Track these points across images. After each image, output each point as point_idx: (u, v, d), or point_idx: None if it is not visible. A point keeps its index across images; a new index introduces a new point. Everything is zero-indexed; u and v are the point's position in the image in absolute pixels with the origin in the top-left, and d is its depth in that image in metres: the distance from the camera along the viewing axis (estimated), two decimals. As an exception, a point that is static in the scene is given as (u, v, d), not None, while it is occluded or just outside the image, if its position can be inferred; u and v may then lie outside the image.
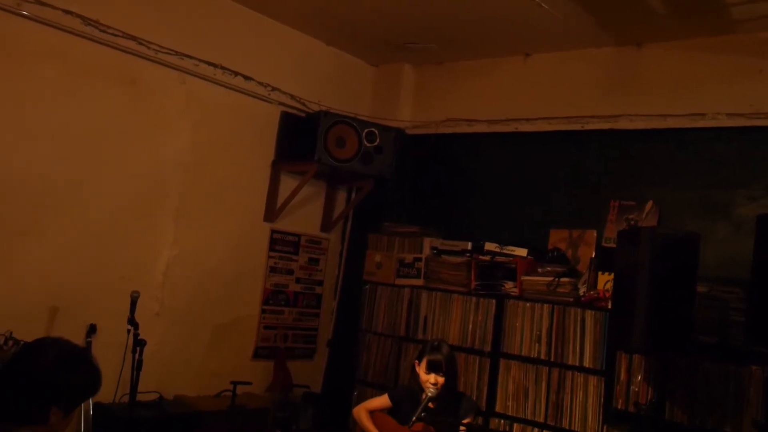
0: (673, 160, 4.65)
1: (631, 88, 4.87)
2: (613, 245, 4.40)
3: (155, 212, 4.69)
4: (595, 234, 4.79)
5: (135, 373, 3.81)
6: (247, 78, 5.07)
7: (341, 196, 5.90)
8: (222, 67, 4.91)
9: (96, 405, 4.14)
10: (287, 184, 5.37)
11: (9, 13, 3.95)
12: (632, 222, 4.66)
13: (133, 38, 4.42)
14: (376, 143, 5.27)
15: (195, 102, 4.82)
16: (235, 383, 4.41)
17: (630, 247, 3.76)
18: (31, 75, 4.08)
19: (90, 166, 4.35)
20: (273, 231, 5.39)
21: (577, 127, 5.03)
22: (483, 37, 5.15)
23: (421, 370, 3.65)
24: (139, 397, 3.99)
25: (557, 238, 4.94)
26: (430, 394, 3.56)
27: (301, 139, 5.25)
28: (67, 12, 4.13)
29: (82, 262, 4.33)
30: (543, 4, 4.42)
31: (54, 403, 2.00)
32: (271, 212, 5.34)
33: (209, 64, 4.84)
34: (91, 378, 2.14)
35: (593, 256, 4.66)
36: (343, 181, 5.79)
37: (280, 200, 5.35)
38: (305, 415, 5.22)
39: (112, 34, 4.33)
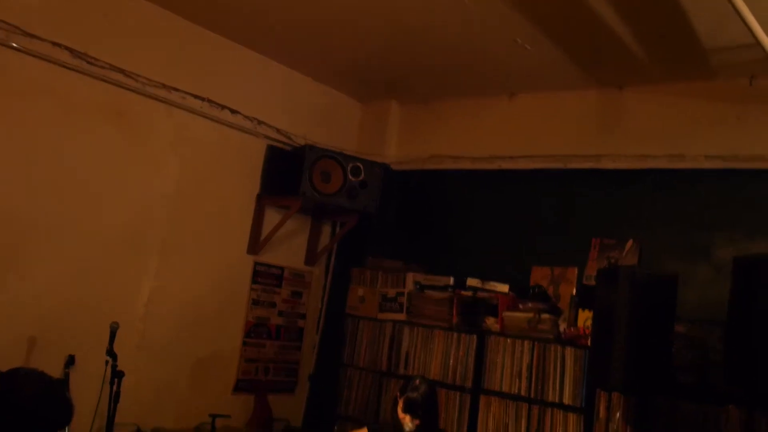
0: (655, 201, 4.72)
1: (613, 129, 4.95)
2: (594, 283, 4.43)
3: (139, 244, 4.69)
4: (576, 271, 4.83)
5: (112, 404, 3.78)
6: (233, 111, 5.12)
7: (326, 230, 5.92)
8: (209, 101, 4.96)
9: (72, 437, 4.09)
10: (272, 217, 5.39)
11: (-3, 46, 3.99)
12: (613, 260, 4.71)
13: (120, 71, 4.46)
14: (361, 178, 5.31)
15: (182, 135, 4.86)
16: (214, 416, 4.38)
17: (609, 286, 3.80)
18: (18, 107, 4.09)
19: (76, 198, 4.35)
20: (256, 263, 5.39)
21: (559, 165, 5.09)
22: (468, 76, 5.24)
23: (399, 407, 3.65)
24: (117, 429, 3.95)
25: (539, 275, 4.98)
26: (408, 430, 3.55)
27: (286, 172, 5.28)
28: (55, 44, 4.17)
29: (63, 293, 4.31)
30: (527, 46, 4.51)
31: (25, 435, 1.99)
32: (255, 245, 5.35)
33: (196, 97, 4.89)
34: (63, 410, 2.13)
35: (574, 293, 4.70)
36: (327, 214, 5.81)
37: (264, 233, 5.36)
38: (285, 450, 5.18)
39: (100, 67, 4.37)
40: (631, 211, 4.79)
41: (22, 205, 4.12)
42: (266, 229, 5.37)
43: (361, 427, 3.95)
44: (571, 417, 4.29)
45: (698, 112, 4.61)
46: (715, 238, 4.45)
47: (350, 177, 5.28)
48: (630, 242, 4.69)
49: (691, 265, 4.46)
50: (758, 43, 3.48)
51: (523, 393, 4.49)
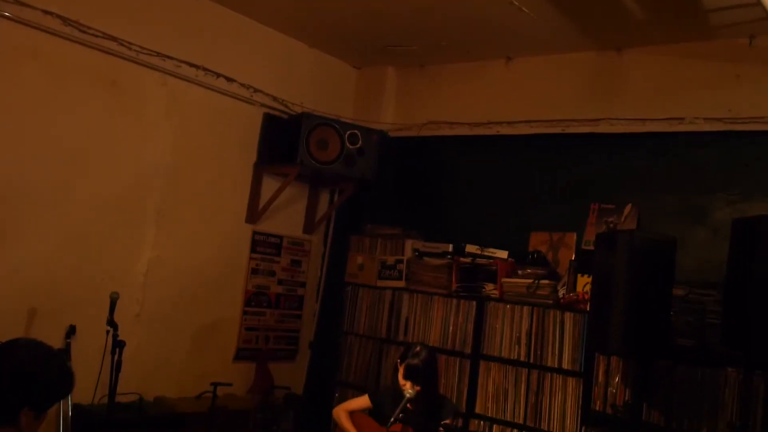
0: (653, 164, 4.70)
1: (612, 92, 4.91)
2: (593, 248, 4.43)
3: (136, 214, 4.68)
4: (575, 236, 4.83)
5: (114, 374, 3.79)
6: (229, 79, 5.07)
7: (324, 198, 5.91)
8: (204, 69, 4.91)
9: (75, 406, 4.12)
10: (269, 185, 5.37)
11: (-12, 14, 3.94)
12: (611, 225, 4.70)
13: (113, 39, 4.41)
14: (358, 145, 5.28)
15: (176, 103, 4.82)
16: (215, 384, 4.40)
17: (608, 251, 3.80)
18: (11, 76, 4.05)
19: (71, 167, 4.33)
20: (255, 233, 5.39)
21: (557, 130, 5.07)
22: (465, 40, 5.18)
23: (400, 374, 3.66)
24: (119, 399, 3.97)
25: (538, 241, 4.97)
26: (408, 396, 3.57)
27: (283, 141, 5.25)
28: (46, 12, 4.11)
29: (62, 263, 4.31)
30: (524, 9, 4.46)
31: (25, 404, 2.00)
32: (253, 214, 5.34)
33: (191, 65, 4.84)
34: (63, 379, 2.14)
35: (573, 258, 4.69)
36: (325, 183, 5.79)
37: (262, 202, 5.35)
38: (286, 417, 5.22)
39: (93, 35, 4.32)
40: (630, 175, 4.77)
41: (15, 175, 4.10)
42: (264, 198, 5.36)
43: (362, 394, 3.97)
44: (571, 381, 4.32)
45: (697, 74, 4.57)
46: (714, 201, 4.44)
47: (347, 144, 5.25)
48: (628, 207, 4.68)
49: (690, 228, 4.46)
50: (758, 2, 3.43)
51: (522, 358, 4.52)
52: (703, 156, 4.53)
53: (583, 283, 4.45)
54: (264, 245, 5.46)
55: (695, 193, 4.51)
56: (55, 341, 4.04)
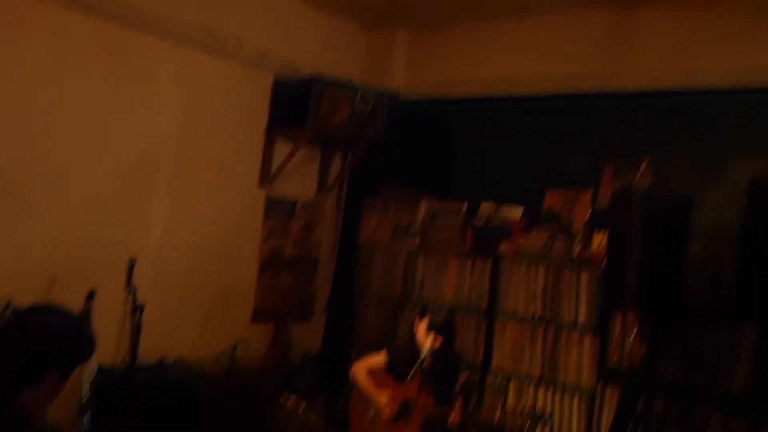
0: (669, 122, 4.66)
1: (625, 49, 4.84)
2: (608, 206, 4.42)
3: (150, 180, 4.69)
4: (590, 194, 4.81)
5: (134, 337, 3.85)
6: (238, 45, 5.03)
7: (336, 161, 5.90)
8: (212, 35, 4.87)
9: (98, 368, 4.19)
10: (281, 150, 5.36)
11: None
12: (627, 183, 4.67)
13: (120, 5, 4.37)
14: (369, 108, 5.26)
15: (186, 70, 4.79)
16: (234, 346, 4.45)
17: (623, 209, 3.79)
18: (15, 48, 4.02)
19: (83, 137, 4.33)
20: (268, 197, 5.40)
21: (571, 89, 5.02)
22: (475, 0, 5.11)
23: (420, 328, 3.69)
24: (140, 361, 4.04)
25: (553, 198, 4.95)
26: (426, 352, 3.61)
27: (294, 105, 5.22)
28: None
29: (80, 231, 4.35)
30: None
31: (49, 368, 2.03)
32: (266, 178, 5.35)
33: (199, 29, 4.79)
34: (85, 342, 2.16)
35: (588, 216, 4.68)
36: (337, 146, 5.78)
37: (275, 167, 5.35)
38: (304, 377, 5.29)
39: (98, 1, 4.27)
40: (646, 133, 4.73)
41: (28, 146, 4.11)
42: (276, 163, 5.36)
43: (380, 349, 4.01)
44: (587, 338, 4.35)
45: (713, 28, 4.50)
46: (730, 158, 4.40)
47: (358, 107, 5.22)
48: (644, 164, 4.64)
49: (706, 185, 4.43)
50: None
51: (538, 315, 4.54)
52: (719, 112, 4.48)
53: (599, 240, 4.45)
54: (277, 209, 5.47)
55: (711, 150, 4.47)
56: (76, 306, 4.08)
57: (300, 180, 5.63)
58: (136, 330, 3.85)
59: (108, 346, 4.23)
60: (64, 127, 4.24)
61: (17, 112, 4.05)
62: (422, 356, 3.59)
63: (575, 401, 4.35)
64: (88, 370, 4.13)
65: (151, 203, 4.71)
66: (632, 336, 4.12)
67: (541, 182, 5.03)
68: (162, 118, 4.72)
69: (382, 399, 3.73)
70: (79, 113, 4.30)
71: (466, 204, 5.06)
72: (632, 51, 4.82)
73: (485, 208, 4.97)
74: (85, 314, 4.22)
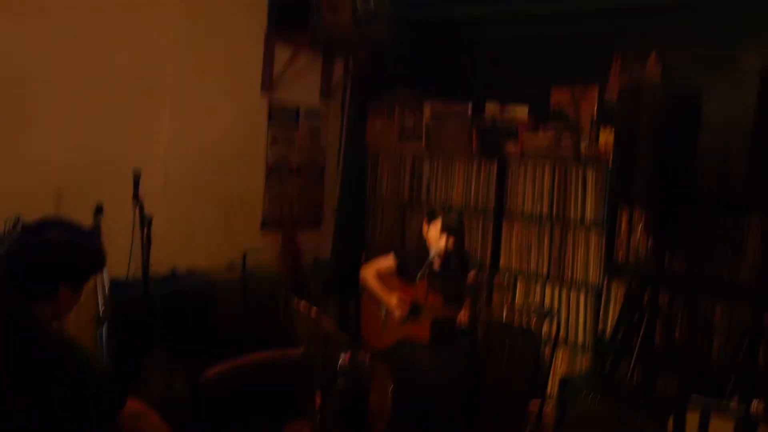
0: (678, 11, 4.50)
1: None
2: (616, 100, 4.34)
3: (149, 89, 4.61)
4: (597, 89, 4.72)
5: (145, 248, 3.90)
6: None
7: (338, 65, 5.78)
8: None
9: (111, 281, 4.26)
10: (282, 54, 5.25)
11: None
12: (635, 76, 4.58)
13: None
14: (370, 6, 5.10)
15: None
16: (245, 253, 4.49)
17: (631, 102, 3.72)
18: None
19: (80, 44, 4.24)
20: (271, 104, 5.33)
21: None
22: None
23: (432, 230, 3.71)
24: (153, 272, 4.10)
25: (559, 96, 4.87)
26: (434, 253, 3.64)
27: (294, 6, 5.07)
28: None
29: (83, 144, 4.32)
30: None
31: (62, 280, 2.06)
32: (268, 84, 5.26)
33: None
34: (95, 253, 2.19)
35: (595, 112, 4.62)
36: (339, 48, 5.65)
37: (276, 71, 5.26)
38: (316, 281, 5.38)
39: None
40: (654, 23, 4.59)
41: (25, 57, 4.03)
42: (278, 68, 5.26)
43: (388, 253, 4.05)
44: (594, 234, 4.38)
45: None
46: (742, 47, 4.28)
47: (359, 6, 5.06)
48: (653, 56, 4.53)
49: (716, 75, 4.32)
50: None
51: (545, 214, 4.55)
52: (730, 1, 4.32)
53: (606, 136, 4.40)
54: (281, 115, 5.42)
55: (722, 39, 4.34)
56: (85, 220, 4.11)
57: (302, 86, 5.54)
58: (146, 242, 3.90)
59: (119, 260, 4.28)
60: (60, 35, 4.14)
61: (10, 24, 3.96)
62: (430, 257, 3.62)
63: (582, 297, 4.42)
64: (102, 283, 4.20)
65: (153, 112, 4.65)
66: (639, 230, 4.13)
67: (547, 78, 4.93)
68: (160, 23, 4.59)
69: (392, 301, 3.79)
70: (75, 19, 4.19)
71: (470, 105, 4.98)
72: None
73: (490, 108, 4.89)
74: (95, 229, 4.27)
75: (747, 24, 4.25)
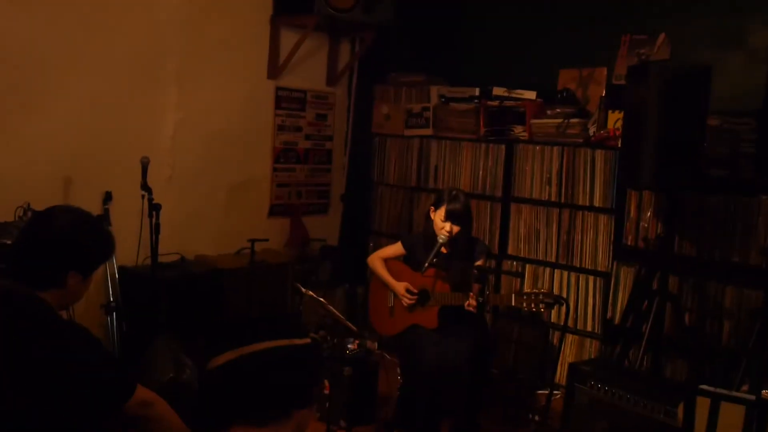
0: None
1: None
2: (624, 82, 4.30)
3: (154, 75, 4.61)
4: (605, 71, 4.67)
5: (154, 236, 3.91)
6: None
7: (345, 49, 5.75)
8: None
9: (120, 268, 4.28)
10: (288, 39, 5.22)
11: None
12: (643, 57, 4.52)
13: None
14: (377, -11, 5.06)
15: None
16: (253, 240, 4.50)
17: (639, 83, 3.67)
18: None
19: (84, 29, 4.24)
20: (278, 88, 5.31)
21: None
22: None
23: (437, 217, 3.69)
24: (161, 259, 4.12)
25: (567, 78, 4.83)
26: (442, 240, 3.62)
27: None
28: None
29: (90, 132, 4.33)
30: None
31: (71, 267, 2.06)
32: (275, 69, 5.24)
33: None
34: (104, 241, 2.19)
35: (603, 94, 4.57)
36: (345, 32, 5.62)
37: (283, 56, 5.23)
38: (323, 267, 5.38)
39: None
40: (662, 1, 4.53)
41: (30, 42, 4.03)
42: (284, 52, 5.24)
43: (395, 241, 4.04)
44: (602, 218, 4.35)
45: None
46: (750, 24, 4.23)
47: (365, -12, 5.03)
48: (661, 36, 4.47)
49: (725, 54, 4.27)
50: None
51: (553, 198, 4.53)
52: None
53: (614, 119, 4.36)
54: (288, 100, 5.40)
55: (730, 16, 4.28)
56: (93, 208, 4.13)
57: (309, 70, 5.52)
58: (155, 229, 3.91)
59: (128, 247, 4.31)
60: (65, 20, 4.14)
61: (17, 8, 3.95)
62: (437, 246, 3.61)
63: (591, 282, 4.40)
64: (111, 270, 4.22)
65: (160, 99, 4.65)
66: (648, 214, 4.10)
67: (555, 60, 4.88)
68: (164, 6, 4.58)
69: (400, 288, 3.78)
70: (80, 5, 4.18)
71: (478, 89, 4.95)
72: None
73: (498, 91, 4.85)
74: (103, 216, 4.28)
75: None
